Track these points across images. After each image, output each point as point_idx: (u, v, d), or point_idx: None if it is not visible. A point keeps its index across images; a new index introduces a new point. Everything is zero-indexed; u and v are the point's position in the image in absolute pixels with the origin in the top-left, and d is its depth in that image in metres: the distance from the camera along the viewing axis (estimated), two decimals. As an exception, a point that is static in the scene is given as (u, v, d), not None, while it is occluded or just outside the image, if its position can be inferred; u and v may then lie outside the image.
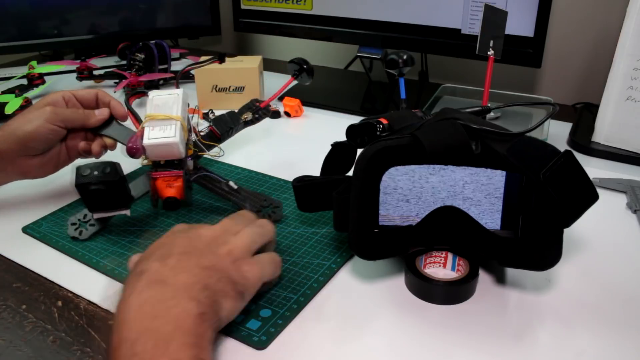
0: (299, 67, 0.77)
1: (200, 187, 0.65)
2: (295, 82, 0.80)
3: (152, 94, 0.62)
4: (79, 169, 0.57)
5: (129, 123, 0.68)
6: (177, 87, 0.66)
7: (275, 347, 0.47)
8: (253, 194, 0.67)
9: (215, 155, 0.67)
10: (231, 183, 0.66)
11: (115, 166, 0.58)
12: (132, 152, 0.58)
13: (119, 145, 0.69)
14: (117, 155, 0.67)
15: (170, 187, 0.60)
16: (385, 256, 0.53)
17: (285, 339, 0.48)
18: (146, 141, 0.58)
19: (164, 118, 0.60)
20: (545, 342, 0.47)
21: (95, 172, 0.57)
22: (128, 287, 0.43)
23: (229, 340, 0.48)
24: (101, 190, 0.57)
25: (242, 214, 0.54)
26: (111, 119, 0.68)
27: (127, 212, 0.60)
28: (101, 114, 0.67)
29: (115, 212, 0.60)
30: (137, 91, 0.71)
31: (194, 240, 0.48)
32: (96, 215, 0.60)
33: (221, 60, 0.90)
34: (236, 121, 0.70)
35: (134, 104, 0.67)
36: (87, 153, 0.68)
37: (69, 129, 0.66)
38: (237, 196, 0.65)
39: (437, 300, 0.52)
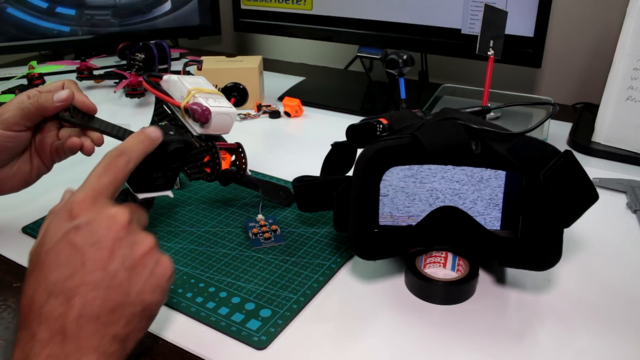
0: (233, 92, 0.77)
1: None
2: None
3: (175, 76, 0.61)
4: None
5: (138, 125, 0.67)
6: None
7: (275, 347, 0.47)
8: (269, 182, 0.68)
9: None
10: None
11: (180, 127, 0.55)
12: (207, 115, 0.56)
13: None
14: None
15: (223, 160, 0.59)
16: (385, 256, 0.53)
17: (285, 339, 0.48)
18: (213, 108, 0.57)
19: (211, 92, 0.60)
20: (545, 342, 0.47)
21: (171, 132, 0.52)
22: (25, 337, 0.36)
23: (229, 340, 0.48)
24: (182, 149, 0.51)
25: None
26: (87, 114, 0.60)
27: (170, 194, 0.56)
28: (59, 98, 0.56)
29: (158, 193, 0.54)
30: (153, 74, 0.69)
31: (103, 256, 0.37)
32: (141, 196, 0.53)
33: (199, 68, 0.90)
34: None
35: (134, 104, 0.67)
36: (74, 151, 0.60)
37: (32, 126, 0.58)
38: (254, 184, 0.66)
39: (437, 300, 0.52)
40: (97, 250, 0.37)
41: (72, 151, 0.61)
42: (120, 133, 0.60)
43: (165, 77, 0.62)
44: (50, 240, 0.38)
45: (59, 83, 0.60)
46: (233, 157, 0.62)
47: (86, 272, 0.37)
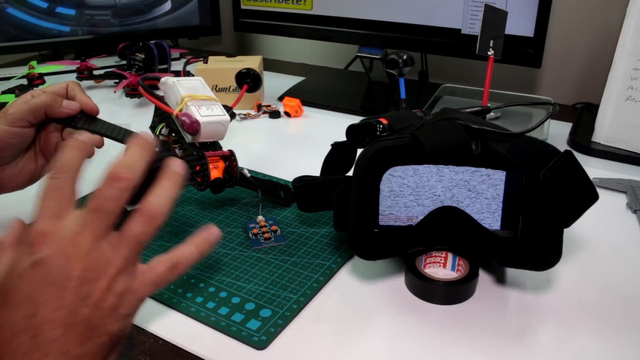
0: (245, 79, 0.76)
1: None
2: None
3: (171, 79, 0.61)
4: None
5: (138, 124, 0.68)
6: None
7: (275, 347, 0.47)
8: (266, 180, 0.69)
9: None
10: (245, 171, 0.66)
11: (168, 142, 0.55)
12: (195, 128, 0.56)
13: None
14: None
15: (216, 169, 0.59)
16: (385, 256, 0.53)
17: (285, 339, 0.48)
18: (202, 118, 0.57)
19: (205, 98, 0.59)
20: (545, 342, 0.47)
21: (156, 149, 0.53)
22: None
23: (229, 340, 0.48)
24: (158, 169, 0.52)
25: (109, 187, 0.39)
26: (90, 116, 0.62)
27: None
28: (68, 105, 0.59)
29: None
30: (150, 77, 0.69)
31: (63, 295, 0.36)
32: (130, 208, 0.56)
33: (205, 61, 0.89)
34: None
35: (134, 104, 0.67)
36: None
37: (36, 124, 0.59)
38: (252, 184, 0.66)
39: (437, 300, 0.52)
40: (57, 289, 0.36)
41: None
42: (121, 135, 0.61)
43: (163, 79, 0.62)
44: (10, 276, 0.36)
45: (63, 84, 0.61)
46: (227, 164, 0.62)
47: (48, 310, 0.35)
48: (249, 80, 0.74)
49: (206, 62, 0.87)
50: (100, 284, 0.37)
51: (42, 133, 0.61)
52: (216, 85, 0.98)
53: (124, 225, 0.40)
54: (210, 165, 0.59)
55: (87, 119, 0.61)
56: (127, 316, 0.39)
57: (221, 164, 0.60)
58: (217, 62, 1.00)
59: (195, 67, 0.98)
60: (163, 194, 0.41)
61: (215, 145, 0.61)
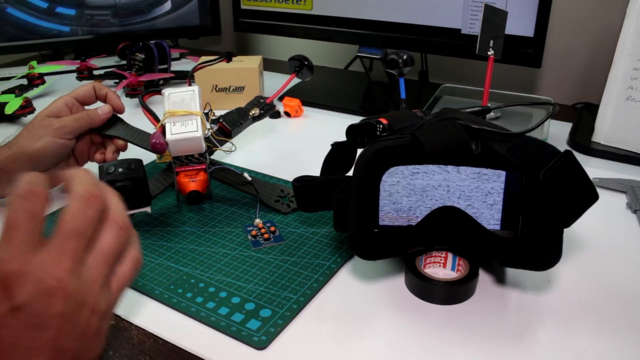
0: (299, 63, 0.78)
1: (214, 180, 0.67)
2: (296, 81, 0.81)
3: (168, 91, 0.63)
4: (102, 167, 0.57)
5: (139, 123, 0.68)
6: (189, 85, 0.67)
7: (275, 347, 0.47)
8: (268, 184, 0.69)
9: (227, 151, 0.68)
10: (245, 174, 0.67)
11: (139, 162, 0.58)
12: (158, 148, 0.59)
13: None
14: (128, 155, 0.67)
15: (193, 182, 0.62)
16: (385, 256, 0.53)
17: (285, 339, 0.48)
18: (170, 137, 0.60)
19: (184, 114, 0.61)
20: (545, 342, 0.47)
21: (120, 169, 0.56)
22: None
23: (229, 340, 0.48)
24: (127, 187, 0.56)
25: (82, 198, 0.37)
26: (116, 118, 0.68)
27: (149, 210, 0.59)
28: (104, 112, 0.66)
29: (136, 210, 0.58)
30: (151, 90, 0.72)
31: (50, 336, 0.34)
32: (130, 212, 0.58)
33: (228, 59, 0.89)
34: (245, 117, 0.71)
35: (134, 104, 0.68)
36: (103, 162, 0.68)
37: (79, 134, 0.65)
38: (253, 187, 0.67)
39: (437, 300, 0.52)
40: (42, 332, 0.33)
41: (103, 161, 0.68)
42: (142, 140, 0.66)
43: (163, 91, 0.64)
44: None
45: (89, 86, 0.68)
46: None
47: (35, 355, 0.33)
48: (297, 69, 0.76)
49: (229, 61, 0.87)
50: (84, 312, 0.35)
51: (77, 142, 0.67)
52: (216, 86, 0.99)
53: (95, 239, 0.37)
54: (187, 179, 0.62)
55: (115, 125, 0.68)
56: (103, 338, 0.37)
57: (201, 176, 0.62)
58: (217, 62, 1.00)
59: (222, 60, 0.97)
60: (116, 201, 0.38)
61: (203, 158, 0.63)
